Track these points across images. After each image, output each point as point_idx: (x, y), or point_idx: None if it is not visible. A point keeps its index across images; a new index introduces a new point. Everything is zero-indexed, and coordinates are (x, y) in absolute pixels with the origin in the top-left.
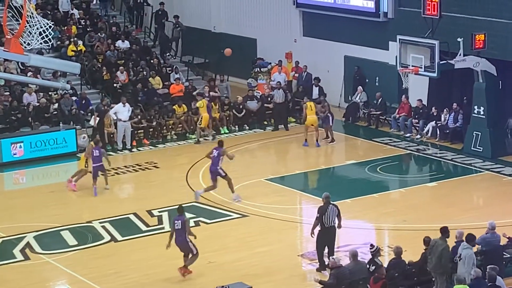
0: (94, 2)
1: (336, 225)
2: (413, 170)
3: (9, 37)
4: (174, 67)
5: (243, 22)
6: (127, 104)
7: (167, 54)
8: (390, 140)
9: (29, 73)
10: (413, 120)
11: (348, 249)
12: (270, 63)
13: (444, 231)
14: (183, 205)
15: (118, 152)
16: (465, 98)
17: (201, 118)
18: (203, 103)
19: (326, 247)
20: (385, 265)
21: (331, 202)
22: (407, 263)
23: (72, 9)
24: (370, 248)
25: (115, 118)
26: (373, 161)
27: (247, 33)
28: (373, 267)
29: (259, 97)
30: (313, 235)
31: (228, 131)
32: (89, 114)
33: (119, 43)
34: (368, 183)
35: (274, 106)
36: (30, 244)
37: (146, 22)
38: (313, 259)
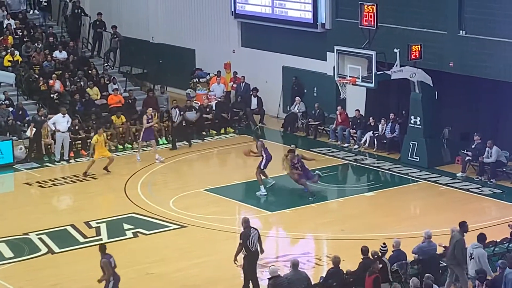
0: (31, 12)
1: (258, 249)
2: (351, 180)
3: None
4: (112, 77)
5: (181, 32)
6: (66, 115)
7: (105, 65)
8: (328, 150)
9: None
10: (351, 130)
11: (287, 259)
12: (209, 74)
13: (463, 225)
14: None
15: (56, 163)
16: (403, 111)
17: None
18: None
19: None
20: (323, 274)
21: (252, 226)
22: (345, 272)
23: (8, 19)
24: (383, 247)
25: (53, 128)
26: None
27: (186, 43)
28: (380, 265)
29: (197, 107)
30: (236, 262)
31: (166, 142)
32: (26, 124)
33: (56, 54)
34: (307, 193)
35: (171, 125)
36: None
37: (83, 32)
38: None
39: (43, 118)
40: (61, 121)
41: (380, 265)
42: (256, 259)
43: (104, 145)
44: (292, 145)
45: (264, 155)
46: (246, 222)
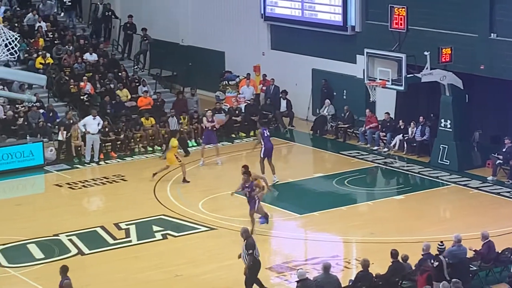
0: (62, 14)
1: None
2: (380, 183)
3: None
4: (142, 80)
5: (211, 35)
6: (97, 117)
7: (135, 67)
8: (357, 153)
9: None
10: (380, 133)
11: (315, 262)
12: (238, 76)
13: None
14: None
15: (86, 165)
16: (432, 114)
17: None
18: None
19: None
20: (352, 278)
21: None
22: (374, 275)
23: (40, 22)
24: (440, 245)
25: (83, 130)
26: (341, 174)
27: (216, 46)
28: (436, 263)
29: (227, 110)
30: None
31: (196, 144)
32: (56, 126)
33: (86, 56)
34: (336, 196)
35: (168, 134)
36: None
37: (114, 34)
38: (281, 272)
39: (71, 121)
40: (91, 123)
41: (437, 263)
42: (260, 268)
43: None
44: (242, 168)
45: (263, 143)
46: (246, 232)
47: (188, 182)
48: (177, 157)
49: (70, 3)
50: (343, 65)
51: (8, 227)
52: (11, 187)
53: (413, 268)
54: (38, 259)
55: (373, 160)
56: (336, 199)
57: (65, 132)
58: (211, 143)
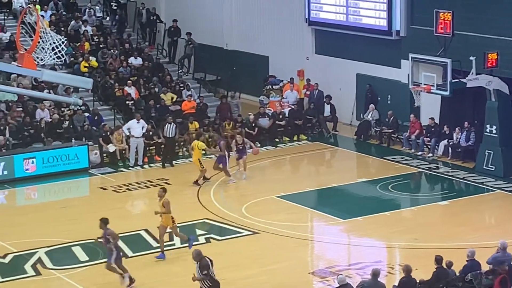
0: (108, 19)
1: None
2: (424, 188)
3: (22, 52)
4: (186, 84)
5: (255, 39)
6: (141, 121)
7: (179, 71)
8: (401, 158)
9: (46, 90)
10: (425, 138)
11: (359, 267)
12: (282, 81)
13: None
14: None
15: (130, 168)
16: (476, 121)
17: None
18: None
19: None
20: (396, 283)
21: (205, 256)
22: (417, 281)
23: (85, 26)
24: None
25: (127, 134)
26: (385, 179)
27: (260, 50)
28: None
29: (270, 114)
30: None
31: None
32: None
33: (131, 60)
34: (380, 201)
35: (165, 141)
36: (42, 260)
37: (158, 39)
38: (324, 276)
39: (108, 133)
40: (135, 127)
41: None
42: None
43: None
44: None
45: (227, 153)
46: (199, 255)
47: (199, 185)
48: (200, 162)
49: (116, 7)
50: (388, 70)
51: (53, 230)
52: (57, 190)
53: (457, 274)
54: (82, 262)
55: (417, 165)
56: (379, 204)
57: (115, 147)
58: (241, 156)
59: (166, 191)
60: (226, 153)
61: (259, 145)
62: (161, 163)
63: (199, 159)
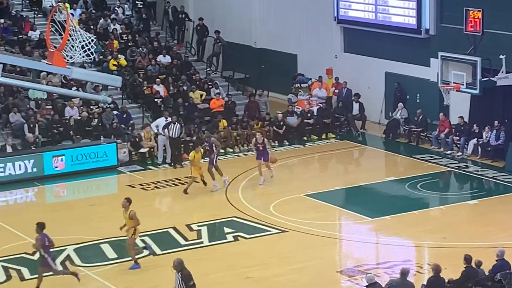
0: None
1: None
2: (453, 187)
3: (52, 50)
4: (215, 82)
5: (284, 37)
6: (169, 119)
7: (208, 69)
8: (430, 157)
9: (75, 88)
10: (454, 137)
11: (387, 266)
12: (311, 79)
13: None
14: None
15: (158, 166)
16: (506, 119)
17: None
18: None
19: None
20: (425, 282)
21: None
22: (446, 281)
23: (114, 24)
24: None
25: (155, 131)
26: (413, 178)
27: (288, 48)
28: None
29: (299, 112)
30: None
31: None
32: (130, 128)
33: (160, 58)
34: (408, 200)
35: (170, 141)
36: (70, 257)
37: (187, 37)
38: (352, 275)
39: (137, 139)
40: (163, 125)
41: None
42: None
43: (199, 163)
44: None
45: (215, 151)
46: (181, 264)
47: (187, 194)
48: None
49: (142, 5)
50: (417, 68)
51: (82, 227)
52: (85, 188)
53: (486, 274)
54: (110, 259)
55: (446, 164)
56: (408, 203)
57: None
58: (264, 160)
59: (131, 201)
60: (216, 152)
61: (287, 143)
62: (172, 164)
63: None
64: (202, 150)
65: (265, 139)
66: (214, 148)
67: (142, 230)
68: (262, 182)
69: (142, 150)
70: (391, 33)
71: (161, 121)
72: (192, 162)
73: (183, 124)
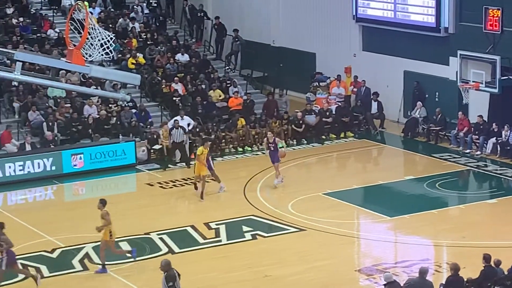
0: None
1: None
2: (472, 186)
3: (71, 48)
4: (233, 80)
5: (302, 36)
6: (185, 117)
7: (226, 68)
8: (449, 156)
9: (93, 86)
10: (473, 136)
11: (406, 265)
12: (329, 78)
13: None
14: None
15: (177, 164)
16: None
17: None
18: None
19: None
20: (443, 282)
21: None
22: (465, 280)
23: (133, 23)
24: None
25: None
26: (432, 177)
27: (307, 47)
28: None
29: (317, 111)
30: None
31: (285, 146)
32: (148, 126)
33: (178, 56)
34: (427, 199)
35: (173, 146)
36: (89, 255)
37: (205, 35)
38: (370, 274)
39: (154, 136)
40: (179, 123)
41: None
42: None
43: (205, 159)
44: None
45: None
46: (168, 265)
47: (202, 199)
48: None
49: (156, 4)
50: (436, 67)
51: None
52: (104, 186)
53: (506, 273)
54: (129, 257)
55: (465, 163)
56: (427, 202)
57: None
58: (274, 162)
59: (105, 203)
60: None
61: (305, 142)
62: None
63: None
64: (208, 148)
65: (276, 138)
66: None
67: (161, 228)
68: (277, 182)
69: (156, 146)
70: (410, 31)
71: (178, 119)
72: (199, 158)
73: (197, 124)
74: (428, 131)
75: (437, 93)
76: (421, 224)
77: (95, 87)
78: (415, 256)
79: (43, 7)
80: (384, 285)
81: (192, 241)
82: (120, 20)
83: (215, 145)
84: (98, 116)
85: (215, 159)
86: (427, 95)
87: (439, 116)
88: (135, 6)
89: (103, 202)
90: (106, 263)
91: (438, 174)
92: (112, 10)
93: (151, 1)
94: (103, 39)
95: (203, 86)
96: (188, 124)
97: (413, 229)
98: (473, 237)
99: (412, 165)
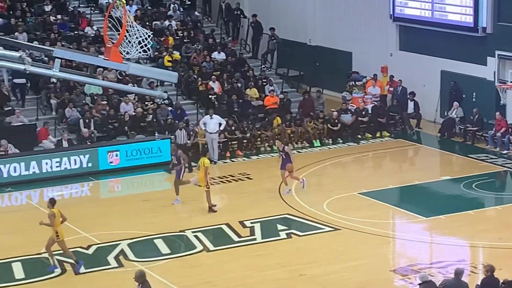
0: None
1: None
2: (509, 187)
3: (109, 46)
4: (269, 79)
5: (339, 35)
6: (215, 116)
7: (262, 66)
8: (486, 156)
9: (130, 84)
10: (510, 137)
11: (441, 266)
12: (365, 77)
13: None
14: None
15: (212, 162)
16: None
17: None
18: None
19: None
20: (478, 283)
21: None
22: (501, 281)
23: (170, 21)
24: None
25: (203, 129)
26: (469, 178)
27: (343, 46)
28: None
29: (353, 110)
30: None
31: (320, 144)
32: (184, 124)
33: (215, 55)
34: (463, 200)
35: (177, 148)
36: (124, 251)
37: (242, 34)
38: (405, 274)
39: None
40: (208, 122)
41: None
42: None
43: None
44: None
45: (182, 163)
46: (142, 276)
47: (215, 211)
48: (207, 182)
49: (190, 2)
50: (473, 67)
51: (136, 222)
52: (139, 183)
53: None
54: (164, 254)
55: (502, 164)
56: (463, 203)
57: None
58: (282, 168)
59: (54, 203)
60: (182, 165)
61: (341, 141)
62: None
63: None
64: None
65: (286, 147)
66: (182, 161)
67: (196, 226)
68: (286, 192)
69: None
70: (447, 31)
71: (207, 119)
72: (207, 169)
73: (233, 122)
74: (465, 131)
75: (474, 93)
76: (457, 224)
77: (132, 85)
78: (451, 257)
79: (80, 5)
80: (420, 284)
81: (227, 239)
82: (157, 22)
83: (251, 143)
84: (135, 113)
85: (250, 157)
86: (464, 95)
87: (476, 116)
88: (171, 4)
89: (52, 202)
90: (142, 259)
91: (475, 175)
92: (149, 8)
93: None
94: (141, 36)
95: (239, 85)
96: (220, 124)
97: (449, 229)
98: (510, 238)
99: (448, 166)
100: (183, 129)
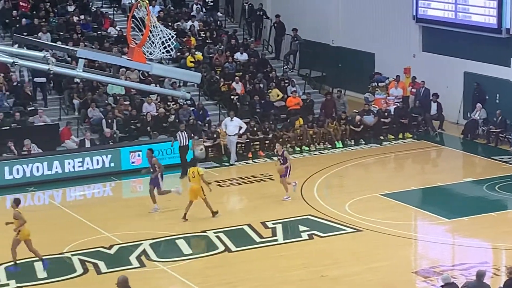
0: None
1: None
2: None
3: (132, 46)
4: (291, 80)
5: (361, 36)
6: (235, 119)
7: (284, 67)
8: (509, 158)
9: (153, 84)
10: None
11: (464, 268)
12: (388, 78)
13: None
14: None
15: (235, 163)
16: None
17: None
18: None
19: None
20: (501, 285)
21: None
22: None
23: (193, 22)
24: None
25: (224, 130)
26: (492, 180)
27: (366, 47)
28: None
29: (375, 111)
30: None
31: (342, 145)
32: (206, 124)
33: (237, 55)
34: (486, 202)
35: (179, 149)
36: (146, 252)
37: (264, 34)
38: (427, 276)
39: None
40: (228, 124)
41: None
42: None
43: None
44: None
45: (157, 170)
46: (125, 282)
47: (217, 214)
48: (203, 189)
49: (212, 3)
50: (497, 68)
51: (157, 222)
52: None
53: None
54: (186, 255)
55: None
56: (486, 205)
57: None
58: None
59: (18, 202)
60: (158, 173)
61: (363, 142)
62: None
63: (201, 186)
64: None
65: (285, 152)
66: (157, 169)
67: (217, 227)
68: (285, 198)
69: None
70: (471, 32)
71: (227, 121)
72: (202, 177)
73: (255, 123)
74: (488, 133)
75: (497, 95)
76: (480, 226)
77: (154, 85)
78: (473, 259)
79: (103, 5)
80: (442, 286)
81: (249, 240)
82: (180, 23)
83: (273, 144)
84: (157, 113)
85: (272, 158)
86: (487, 97)
87: (500, 118)
88: (194, 5)
89: (16, 202)
90: (164, 259)
91: (498, 177)
92: (172, 8)
93: (207, 0)
94: (164, 37)
95: (261, 85)
96: (240, 128)
97: (471, 231)
98: None
99: (471, 167)
100: (184, 131)
